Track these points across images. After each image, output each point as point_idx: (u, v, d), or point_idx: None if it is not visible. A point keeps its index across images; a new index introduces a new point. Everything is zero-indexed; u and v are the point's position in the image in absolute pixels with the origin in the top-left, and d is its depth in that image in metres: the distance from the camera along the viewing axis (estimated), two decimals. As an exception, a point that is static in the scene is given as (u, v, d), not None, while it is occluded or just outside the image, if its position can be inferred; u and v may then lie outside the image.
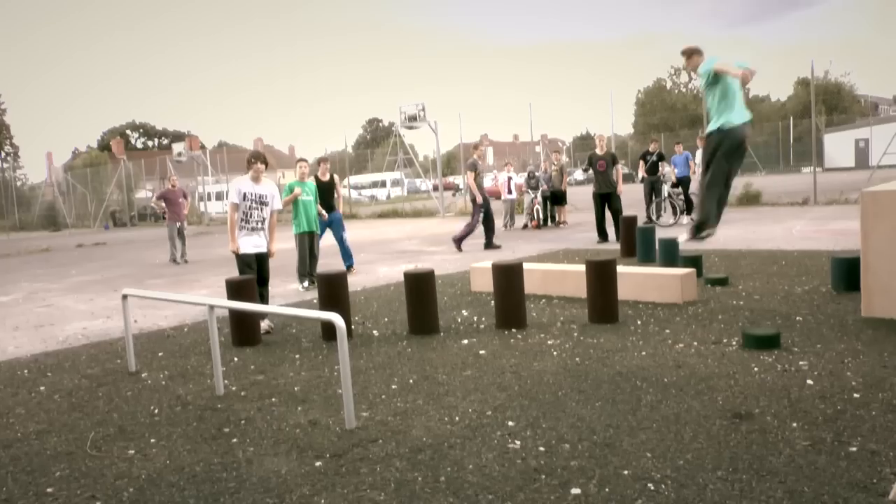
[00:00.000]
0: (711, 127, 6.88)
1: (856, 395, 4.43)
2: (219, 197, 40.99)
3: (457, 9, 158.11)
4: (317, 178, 12.30)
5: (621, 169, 15.22)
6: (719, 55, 6.94)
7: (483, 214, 14.33)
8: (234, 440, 4.45)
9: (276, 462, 4.03)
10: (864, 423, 3.96)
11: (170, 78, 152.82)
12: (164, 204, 17.23)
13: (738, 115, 6.73)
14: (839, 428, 3.93)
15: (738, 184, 24.10)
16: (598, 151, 14.88)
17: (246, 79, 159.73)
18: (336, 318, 4.42)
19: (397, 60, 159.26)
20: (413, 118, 27.28)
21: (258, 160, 7.69)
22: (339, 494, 3.54)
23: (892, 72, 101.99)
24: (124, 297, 6.24)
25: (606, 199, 14.54)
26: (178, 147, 37.46)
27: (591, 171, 15.24)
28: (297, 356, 6.52)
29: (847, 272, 7.55)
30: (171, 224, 17.06)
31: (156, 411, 5.18)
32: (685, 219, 16.99)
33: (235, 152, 56.54)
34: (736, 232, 14.43)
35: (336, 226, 12.41)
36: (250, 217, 7.60)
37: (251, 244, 7.60)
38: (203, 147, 43.84)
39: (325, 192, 12.14)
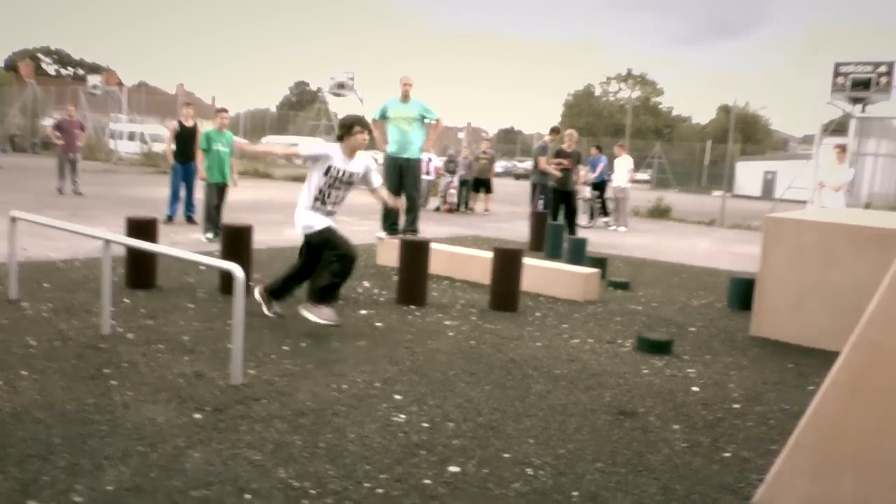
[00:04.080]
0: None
1: (735, 406, 4.57)
2: (131, 137, 39.39)
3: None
4: (181, 124, 12.23)
5: (582, 168, 14.83)
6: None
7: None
8: (114, 382, 4.27)
9: (154, 410, 3.89)
10: (740, 433, 4.10)
11: (94, 6, 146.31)
12: (59, 133, 16.77)
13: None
14: (717, 434, 4.05)
15: (651, 197, 24.75)
16: (565, 148, 13.87)
17: (173, 23, 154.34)
18: (235, 269, 4.29)
19: (330, 28, 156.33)
20: (341, 86, 26.74)
21: None
22: (214, 450, 3.43)
23: (804, 112, 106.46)
24: (13, 219, 5.92)
25: (567, 197, 13.72)
26: (93, 79, 35.97)
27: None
28: (192, 305, 6.33)
29: (742, 292, 7.80)
30: (62, 154, 16.67)
31: (33, 343, 4.93)
32: (600, 221, 17.34)
33: (155, 94, 54.68)
34: (643, 241, 14.77)
35: (191, 176, 12.42)
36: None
37: None
38: (120, 84, 42.19)
39: (189, 139, 11.97)
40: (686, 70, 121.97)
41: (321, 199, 5.90)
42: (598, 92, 72.39)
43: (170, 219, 12.23)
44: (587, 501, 3.14)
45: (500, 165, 54.67)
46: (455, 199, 19.54)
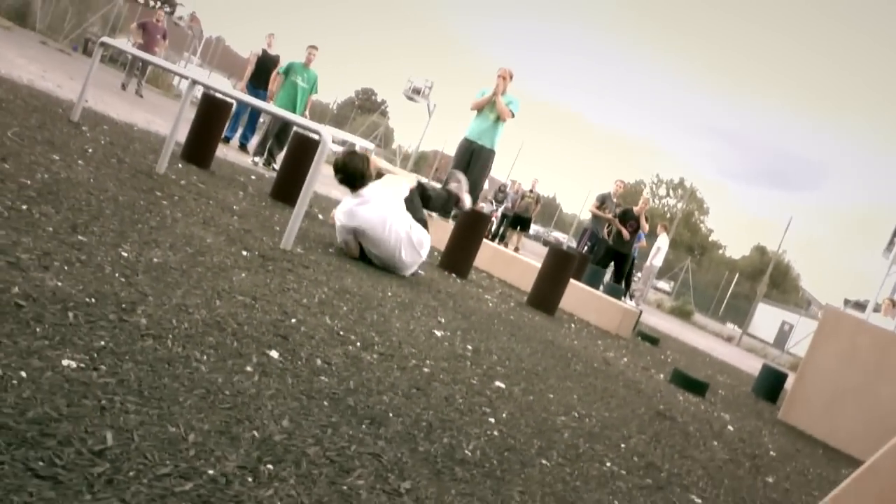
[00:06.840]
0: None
1: (772, 454, 4.29)
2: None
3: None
4: (264, 52, 12.00)
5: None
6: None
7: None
8: (164, 202, 4.05)
9: (203, 232, 3.65)
10: (780, 470, 3.82)
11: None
12: (141, 32, 16.64)
13: None
14: (757, 463, 3.76)
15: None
16: (636, 210, 13.04)
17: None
18: (324, 131, 4.08)
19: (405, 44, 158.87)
20: (417, 91, 26.39)
21: None
22: (261, 278, 3.20)
23: (831, 282, 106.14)
24: (101, 43, 5.76)
25: (621, 259, 12.85)
26: (181, 11, 36.26)
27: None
28: (242, 193, 6.12)
29: (771, 381, 7.53)
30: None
31: (90, 150, 4.72)
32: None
33: (228, 54, 54.83)
34: (668, 325, 14.48)
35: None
36: None
37: None
38: (201, 32, 42.44)
39: (269, 65, 11.73)
40: (729, 203, 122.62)
41: None
42: (646, 191, 72.35)
43: (226, 140, 12.03)
44: (634, 456, 2.87)
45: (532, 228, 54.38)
46: (492, 229, 19.33)
